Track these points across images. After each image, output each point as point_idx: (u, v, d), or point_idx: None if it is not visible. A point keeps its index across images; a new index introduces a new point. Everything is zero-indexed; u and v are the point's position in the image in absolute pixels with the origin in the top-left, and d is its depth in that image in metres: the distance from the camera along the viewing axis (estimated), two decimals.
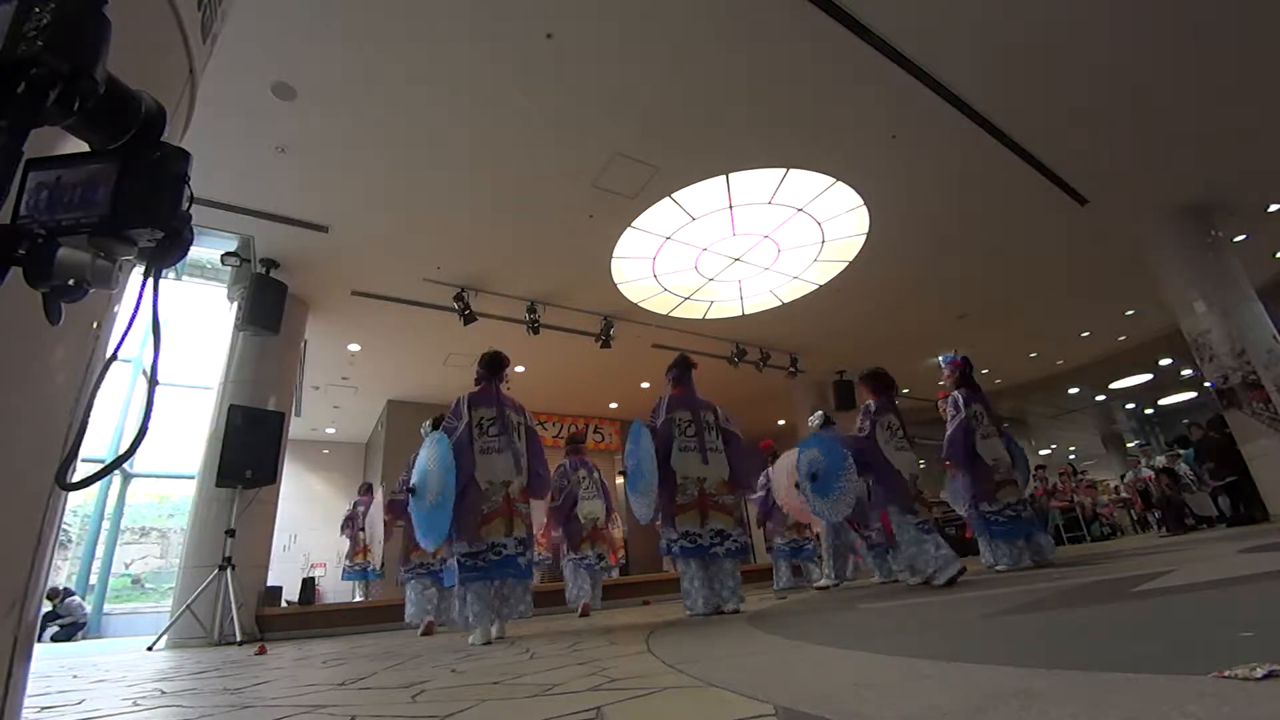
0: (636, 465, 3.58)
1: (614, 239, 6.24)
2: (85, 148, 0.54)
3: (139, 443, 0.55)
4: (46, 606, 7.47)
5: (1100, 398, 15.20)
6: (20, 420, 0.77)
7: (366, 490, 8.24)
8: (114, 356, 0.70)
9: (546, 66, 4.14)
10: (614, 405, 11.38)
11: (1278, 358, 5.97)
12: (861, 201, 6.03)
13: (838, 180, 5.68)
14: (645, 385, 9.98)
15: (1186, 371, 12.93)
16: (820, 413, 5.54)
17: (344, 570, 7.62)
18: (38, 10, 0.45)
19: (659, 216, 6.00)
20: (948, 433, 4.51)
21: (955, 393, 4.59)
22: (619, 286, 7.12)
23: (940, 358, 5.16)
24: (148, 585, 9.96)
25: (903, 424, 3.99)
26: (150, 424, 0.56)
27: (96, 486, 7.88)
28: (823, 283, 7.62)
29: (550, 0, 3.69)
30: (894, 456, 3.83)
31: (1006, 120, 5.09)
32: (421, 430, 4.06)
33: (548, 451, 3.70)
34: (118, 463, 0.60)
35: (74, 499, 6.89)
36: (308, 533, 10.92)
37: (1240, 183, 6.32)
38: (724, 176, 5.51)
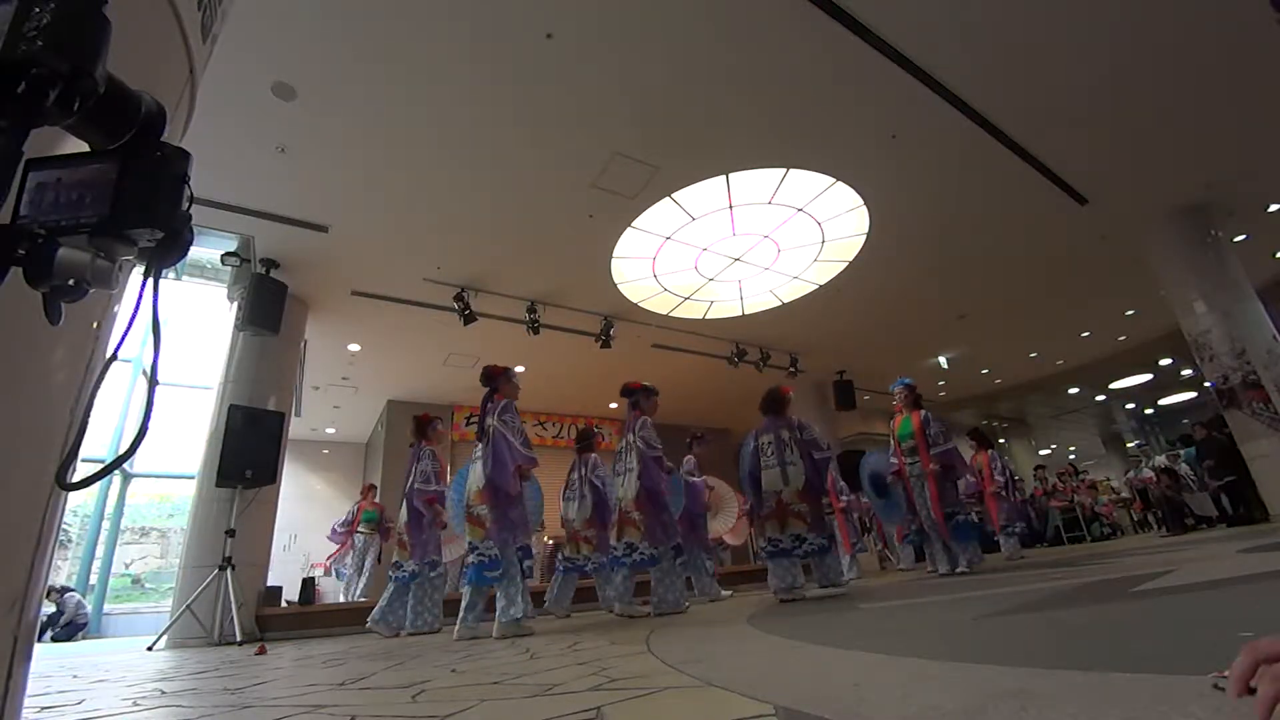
0: None
1: (614, 239, 6.24)
2: (85, 148, 0.54)
3: (139, 443, 0.55)
4: (50, 607, 7.47)
5: (1100, 398, 15.20)
6: (20, 420, 0.77)
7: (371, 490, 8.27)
8: (114, 356, 0.70)
9: (546, 66, 4.14)
10: (614, 405, 11.36)
11: (1278, 358, 5.97)
12: (861, 201, 6.03)
13: (838, 180, 5.67)
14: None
15: (1186, 371, 12.93)
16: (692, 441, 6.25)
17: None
18: (38, 10, 0.45)
19: (659, 216, 6.00)
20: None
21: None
22: (619, 286, 7.12)
23: (892, 386, 5.44)
24: (148, 585, 9.95)
25: (783, 443, 4.14)
26: (150, 424, 0.56)
27: (96, 486, 7.88)
28: (823, 283, 7.61)
29: (550, 0, 3.70)
30: (763, 474, 4.15)
31: (1007, 120, 5.08)
32: None
33: (552, 454, 3.84)
34: (118, 463, 0.60)
35: (74, 499, 6.88)
36: (308, 533, 10.90)
37: (1240, 183, 6.32)
38: (724, 176, 5.51)
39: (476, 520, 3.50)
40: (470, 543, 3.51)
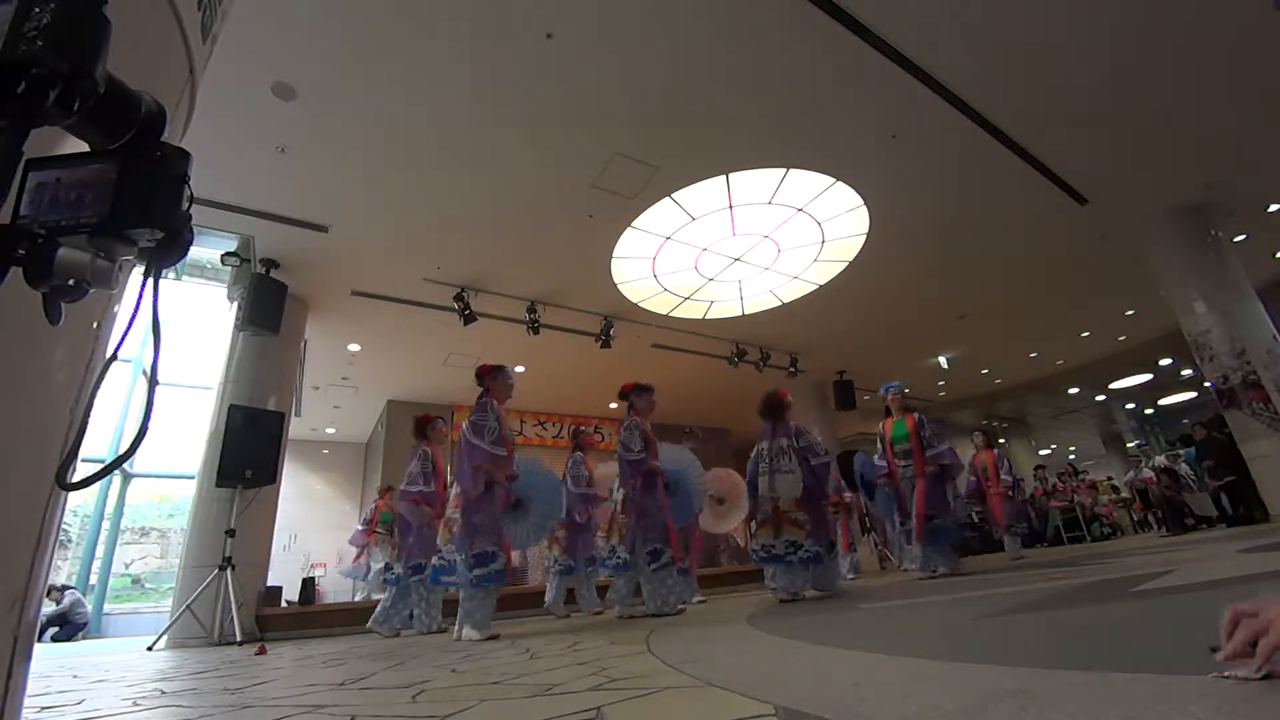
0: None
1: (614, 239, 6.24)
2: (85, 148, 0.54)
3: (139, 443, 0.55)
4: (50, 606, 7.47)
5: (1100, 398, 15.20)
6: (20, 420, 0.77)
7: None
8: (114, 356, 0.70)
9: (546, 66, 4.14)
10: (614, 405, 11.36)
11: (1278, 358, 5.96)
12: (861, 201, 6.02)
13: (838, 180, 5.67)
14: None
15: (1186, 371, 12.93)
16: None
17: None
18: (38, 10, 0.45)
19: (659, 216, 6.00)
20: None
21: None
22: (619, 286, 7.12)
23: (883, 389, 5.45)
24: (148, 585, 9.95)
25: (780, 450, 4.14)
26: (150, 424, 0.56)
27: (96, 486, 7.88)
28: (823, 283, 7.61)
29: (550, 0, 3.70)
30: (760, 480, 4.13)
31: (1007, 120, 5.08)
32: None
33: (551, 454, 3.80)
34: (118, 463, 0.60)
35: (74, 499, 6.87)
36: (308, 533, 10.92)
37: (1240, 183, 6.32)
38: (724, 176, 5.51)
39: (447, 524, 3.49)
40: (439, 544, 3.54)
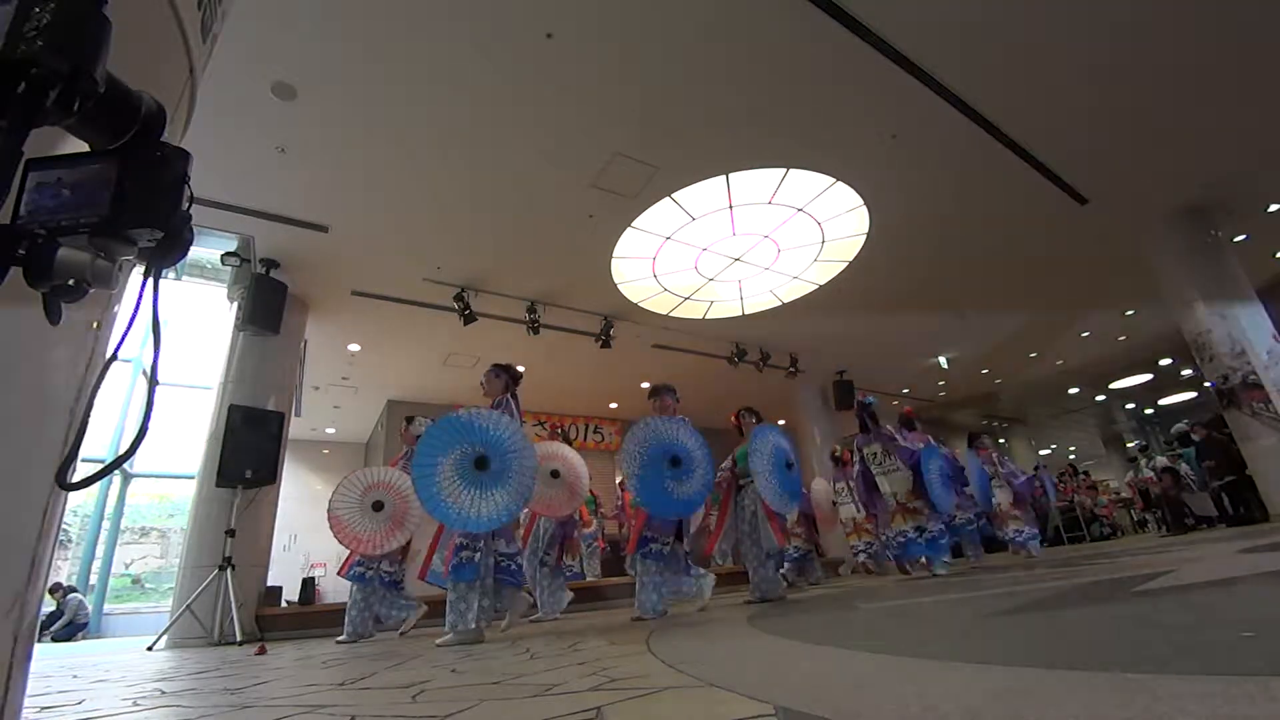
0: None
1: (614, 239, 6.24)
2: (85, 148, 0.54)
3: (139, 443, 0.55)
4: (50, 605, 7.47)
5: (1100, 398, 15.20)
6: (20, 420, 0.77)
7: None
8: (114, 356, 0.70)
9: (546, 66, 4.14)
10: (614, 405, 11.37)
11: (1278, 358, 5.97)
12: (861, 201, 6.03)
13: (838, 180, 5.68)
14: (645, 385, 9.98)
15: (1186, 371, 12.93)
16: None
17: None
18: (38, 10, 0.45)
19: (659, 216, 6.00)
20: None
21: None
22: (619, 286, 7.12)
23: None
24: (148, 585, 9.96)
25: (881, 453, 5.03)
26: (150, 424, 0.56)
27: (96, 486, 7.87)
28: (823, 283, 7.61)
29: (550, 0, 3.70)
30: (878, 480, 4.97)
31: (1006, 120, 5.08)
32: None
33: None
34: (118, 463, 0.60)
35: (74, 499, 6.88)
36: (308, 533, 10.89)
37: (1239, 183, 6.32)
38: (724, 176, 5.51)
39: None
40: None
